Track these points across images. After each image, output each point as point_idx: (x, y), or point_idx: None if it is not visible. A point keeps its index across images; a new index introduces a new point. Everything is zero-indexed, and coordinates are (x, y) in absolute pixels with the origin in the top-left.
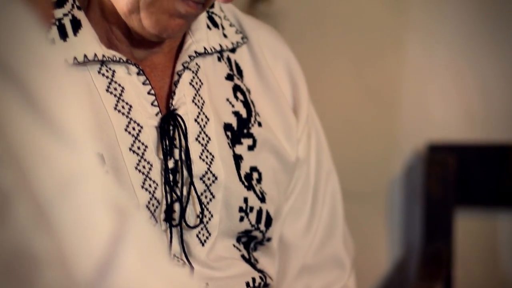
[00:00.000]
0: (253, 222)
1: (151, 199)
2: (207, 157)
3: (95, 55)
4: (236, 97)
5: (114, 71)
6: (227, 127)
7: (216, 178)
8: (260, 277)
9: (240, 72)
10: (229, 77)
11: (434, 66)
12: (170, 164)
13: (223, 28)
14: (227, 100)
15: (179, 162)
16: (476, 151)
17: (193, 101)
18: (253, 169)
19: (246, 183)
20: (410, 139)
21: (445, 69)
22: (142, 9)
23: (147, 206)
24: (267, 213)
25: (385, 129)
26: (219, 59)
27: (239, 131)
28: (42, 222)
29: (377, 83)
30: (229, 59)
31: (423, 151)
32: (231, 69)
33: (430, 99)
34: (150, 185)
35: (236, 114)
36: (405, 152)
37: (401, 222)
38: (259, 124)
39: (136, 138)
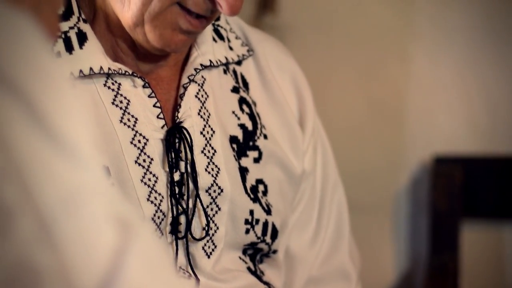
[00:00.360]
0: (259, 234)
1: (156, 211)
2: (212, 169)
3: (101, 68)
4: (242, 110)
5: (120, 84)
6: (233, 139)
7: (222, 191)
8: None
9: (246, 84)
10: (235, 90)
11: (440, 78)
12: (176, 176)
13: (229, 40)
14: (233, 112)
15: (185, 175)
16: (482, 163)
17: (198, 113)
18: (259, 181)
19: (252, 196)
20: (416, 151)
21: (450, 81)
22: (146, 22)
23: (152, 219)
24: (273, 225)
25: (391, 141)
26: (224, 72)
27: (245, 143)
28: (45, 236)
29: (383, 95)
30: (235, 72)
31: (429, 163)
32: (237, 82)
33: (436, 111)
34: (155, 198)
35: (242, 126)
36: (411, 164)
37: (407, 234)
38: (265, 137)
39: (141, 150)
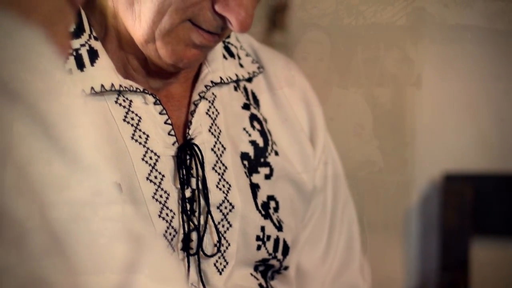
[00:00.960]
0: (270, 250)
1: (168, 228)
2: (223, 186)
3: (112, 85)
4: (253, 126)
5: (131, 101)
6: (244, 156)
7: (233, 207)
8: None
9: (256, 101)
10: (246, 107)
11: (449, 96)
12: (187, 193)
13: (239, 58)
14: (244, 129)
15: (196, 191)
16: (492, 181)
17: (209, 130)
18: (270, 197)
19: (263, 212)
20: (426, 169)
21: (460, 98)
22: (158, 39)
23: (164, 235)
24: (284, 242)
25: (401, 159)
26: (235, 89)
27: (256, 160)
28: (57, 249)
29: (393, 113)
30: (245, 89)
31: (439, 181)
32: (247, 99)
33: (445, 128)
34: (167, 214)
35: (253, 143)
36: (421, 182)
37: (417, 252)
38: (276, 153)
39: (153, 167)
